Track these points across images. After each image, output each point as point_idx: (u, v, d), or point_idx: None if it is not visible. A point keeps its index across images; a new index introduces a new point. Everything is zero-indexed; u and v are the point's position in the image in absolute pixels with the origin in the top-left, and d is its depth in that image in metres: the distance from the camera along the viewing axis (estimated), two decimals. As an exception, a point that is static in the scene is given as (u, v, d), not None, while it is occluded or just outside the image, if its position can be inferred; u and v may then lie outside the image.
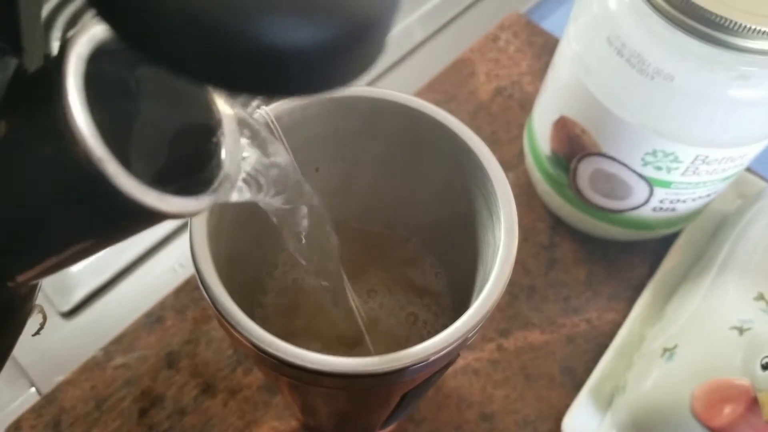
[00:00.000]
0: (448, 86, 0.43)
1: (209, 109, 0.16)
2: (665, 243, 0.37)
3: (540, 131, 0.36)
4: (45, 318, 0.20)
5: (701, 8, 0.25)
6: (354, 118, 0.24)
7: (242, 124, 0.16)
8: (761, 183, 0.39)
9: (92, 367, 0.34)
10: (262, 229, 0.22)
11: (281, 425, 0.33)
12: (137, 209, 0.13)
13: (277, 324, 0.26)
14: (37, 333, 0.20)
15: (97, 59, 0.13)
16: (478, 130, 0.23)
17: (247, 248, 0.25)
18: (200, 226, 0.20)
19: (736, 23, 0.24)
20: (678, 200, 0.33)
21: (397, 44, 0.46)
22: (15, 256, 0.15)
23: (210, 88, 0.16)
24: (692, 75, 0.27)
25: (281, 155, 0.18)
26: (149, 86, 0.15)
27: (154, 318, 0.35)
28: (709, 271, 0.34)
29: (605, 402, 0.33)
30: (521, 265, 0.37)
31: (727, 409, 0.29)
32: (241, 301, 0.19)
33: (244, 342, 0.19)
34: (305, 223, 0.20)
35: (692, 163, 0.30)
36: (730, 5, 0.25)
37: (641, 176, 0.31)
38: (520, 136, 0.42)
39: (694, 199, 0.33)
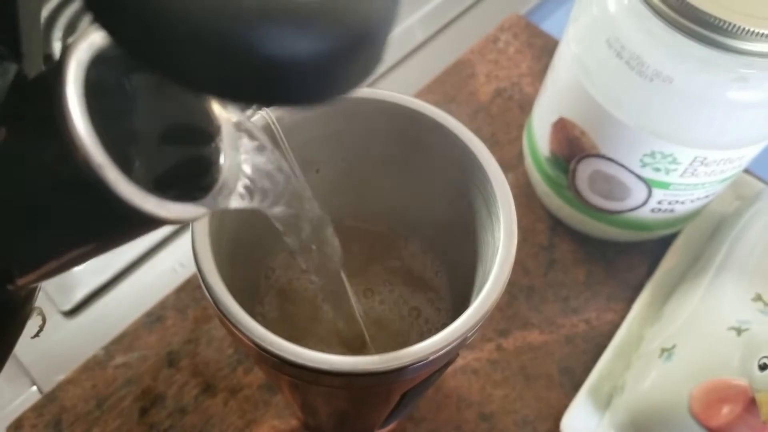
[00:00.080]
0: (448, 87, 0.44)
1: (208, 115, 0.16)
2: (664, 244, 0.38)
3: (539, 132, 0.36)
4: (44, 320, 0.20)
5: (700, 11, 0.25)
6: (354, 119, 0.24)
7: (241, 129, 0.17)
8: (759, 184, 0.39)
9: (93, 366, 0.34)
10: (263, 230, 0.22)
11: (281, 424, 0.33)
12: (137, 215, 0.13)
13: (277, 324, 0.26)
14: (37, 335, 0.20)
15: (96, 65, 0.13)
16: (477, 131, 0.23)
17: (248, 249, 0.25)
18: (202, 226, 0.20)
19: (734, 26, 0.24)
20: (676, 201, 0.33)
21: (397, 45, 0.46)
22: (15, 260, 0.15)
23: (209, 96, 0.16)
24: (691, 77, 0.27)
25: (281, 161, 0.18)
26: (149, 92, 0.15)
27: (154, 317, 0.35)
28: (707, 271, 0.34)
29: (604, 402, 0.33)
30: (520, 265, 0.38)
31: (725, 410, 0.29)
32: (242, 301, 0.19)
33: (246, 341, 0.19)
34: (306, 227, 0.20)
35: (691, 164, 0.30)
36: (729, 8, 0.25)
37: (640, 177, 0.31)
38: (519, 138, 0.42)
39: (692, 201, 0.33)
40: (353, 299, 0.23)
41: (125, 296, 0.36)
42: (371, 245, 0.29)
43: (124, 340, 0.34)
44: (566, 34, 0.33)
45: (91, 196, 0.12)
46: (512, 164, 0.41)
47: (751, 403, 0.28)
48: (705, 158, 0.29)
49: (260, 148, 0.17)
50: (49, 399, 0.33)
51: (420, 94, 0.43)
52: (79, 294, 0.36)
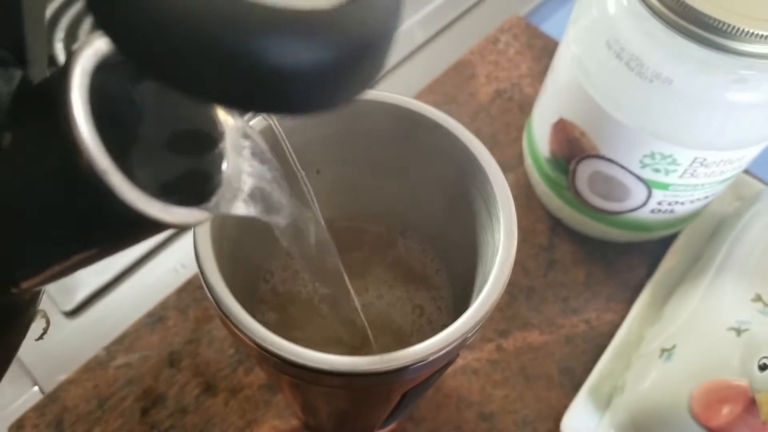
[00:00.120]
0: (448, 88, 0.44)
1: (212, 121, 0.16)
2: (664, 244, 0.38)
3: (539, 133, 0.36)
4: (48, 323, 0.20)
5: (699, 12, 0.25)
6: (355, 120, 0.24)
7: (244, 135, 0.17)
8: (759, 185, 0.39)
9: (94, 366, 0.34)
10: (264, 232, 0.22)
11: (282, 424, 0.33)
12: (141, 220, 0.13)
13: (278, 325, 0.27)
14: (40, 338, 0.20)
15: (101, 72, 0.13)
16: (477, 132, 0.23)
17: (249, 249, 0.25)
18: (204, 226, 0.20)
19: (734, 27, 0.24)
20: (676, 202, 0.33)
21: (397, 46, 0.46)
22: (19, 264, 0.15)
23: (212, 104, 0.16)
24: (690, 78, 0.27)
25: (281, 169, 0.18)
26: (153, 98, 0.15)
27: (155, 318, 0.35)
28: (707, 272, 0.34)
29: (604, 402, 0.33)
30: (520, 265, 0.38)
31: (725, 410, 0.29)
32: (243, 302, 0.19)
33: (247, 341, 0.19)
34: (306, 235, 0.20)
35: (690, 165, 0.30)
36: (729, 9, 0.25)
37: (639, 178, 0.32)
38: (519, 138, 0.42)
39: (692, 201, 0.33)
40: (355, 299, 0.23)
41: (126, 296, 0.37)
42: (371, 245, 0.29)
43: (125, 341, 0.34)
44: (566, 35, 0.33)
45: (96, 201, 0.13)
46: (512, 165, 0.41)
47: (751, 404, 0.28)
48: (704, 159, 0.29)
49: (263, 155, 0.17)
50: (50, 399, 0.33)
51: (420, 95, 0.43)
52: (81, 294, 0.36)
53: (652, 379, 0.31)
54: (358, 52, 0.11)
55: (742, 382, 0.29)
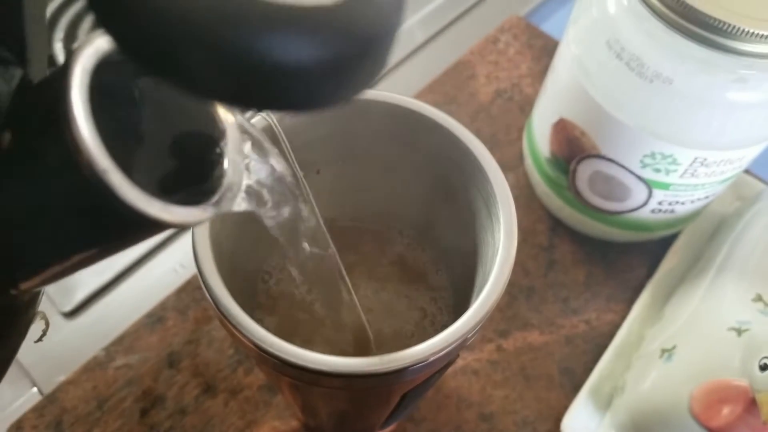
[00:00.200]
0: (448, 88, 0.44)
1: (213, 119, 0.16)
2: (664, 244, 0.38)
3: (539, 133, 0.36)
4: (47, 325, 0.20)
5: (700, 12, 0.25)
6: (355, 120, 0.24)
7: (245, 133, 0.17)
8: (759, 185, 0.39)
9: (94, 367, 0.34)
10: (263, 232, 0.22)
11: (282, 425, 0.33)
12: (141, 219, 0.13)
13: (277, 326, 0.27)
14: (40, 339, 0.20)
15: (101, 71, 0.13)
16: (477, 132, 0.23)
17: (249, 250, 0.25)
18: (203, 227, 0.20)
19: (734, 27, 0.24)
20: (676, 202, 0.33)
21: (397, 46, 0.46)
22: (18, 264, 0.15)
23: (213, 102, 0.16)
24: (691, 78, 0.27)
25: (282, 166, 0.18)
26: (153, 96, 0.15)
27: (155, 318, 0.35)
28: (707, 272, 0.34)
29: (604, 403, 0.33)
30: (520, 266, 0.38)
31: (726, 410, 0.29)
32: (243, 302, 0.19)
33: (246, 342, 0.19)
34: (305, 234, 0.20)
35: (691, 165, 0.30)
36: (729, 9, 0.25)
37: (640, 178, 0.31)
38: (519, 138, 0.42)
39: (692, 201, 0.33)
40: (355, 299, 0.23)
41: (126, 297, 0.36)
42: (371, 245, 0.29)
43: (124, 341, 0.34)
44: (566, 35, 0.33)
45: (96, 201, 0.13)
46: (512, 165, 0.41)
47: (752, 404, 0.28)
48: (705, 159, 0.29)
49: (264, 152, 0.17)
50: (49, 400, 0.33)
51: (420, 95, 0.43)
52: (80, 295, 0.36)
53: (652, 380, 0.31)
54: (360, 49, 0.10)
55: (743, 382, 0.29)
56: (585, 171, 0.33)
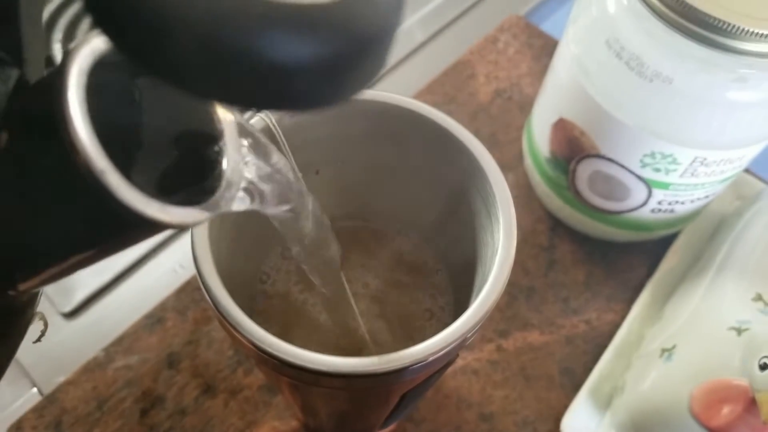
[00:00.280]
0: (447, 88, 0.44)
1: (211, 119, 0.16)
2: (664, 244, 0.38)
3: (539, 133, 0.36)
4: (46, 325, 0.20)
5: (699, 11, 0.25)
6: (354, 120, 0.24)
7: (244, 132, 0.17)
8: (759, 184, 0.39)
9: (93, 367, 0.34)
10: (263, 232, 0.22)
11: (281, 425, 0.33)
12: (139, 220, 0.13)
13: (276, 326, 0.26)
14: (38, 340, 0.20)
15: (98, 70, 0.13)
16: (477, 132, 0.23)
17: (247, 251, 0.25)
18: (202, 227, 0.20)
19: (734, 26, 0.24)
20: (676, 202, 0.33)
21: (397, 46, 0.46)
22: (16, 265, 0.15)
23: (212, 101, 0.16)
24: (691, 77, 0.27)
25: (282, 164, 0.18)
26: (151, 96, 0.15)
27: (155, 319, 0.35)
28: (707, 272, 0.34)
29: (604, 402, 0.33)
30: (520, 266, 0.38)
31: (726, 410, 0.29)
32: (242, 303, 0.19)
33: (245, 342, 0.19)
34: (307, 230, 0.20)
35: (690, 164, 0.30)
36: (728, 8, 0.25)
37: (640, 178, 0.31)
38: (519, 138, 0.42)
39: (692, 201, 0.33)
40: (352, 300, 0.23)
41: (125, 298, 0.36)
42: (371, 244, 0.29)
43: (124, 342, 0.34)
44: (566, 34, 0.32)
45: (93, 202, 0.12)
46: (512, 165, 0.41)
47: (752, 403, 0.28)
48: (705, 158, 0.29)
49: (263, 151, 0.17)
50: (49, 400, 0.33)
51: (419, 95, 0.43)
52: (80, 296, 0.36)
53: (652, 379, 0.31)
54: (359, 48, 0.10)
55: (743, 381, 0.29)
56: (585, 171, 0.33)
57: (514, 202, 0.21)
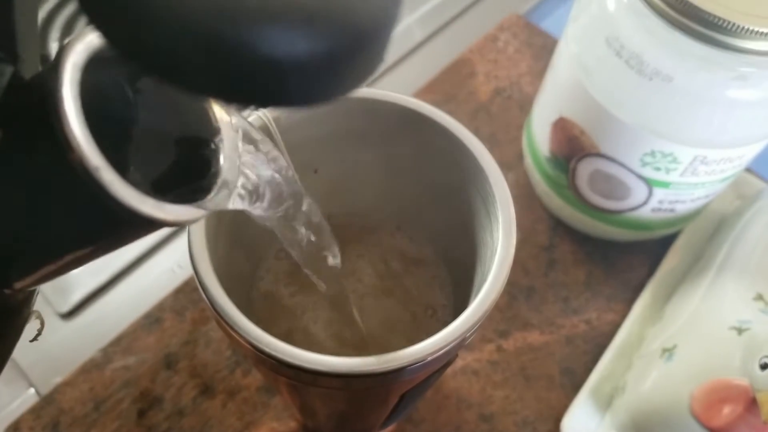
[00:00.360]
0: (447, 87, 0.43)
1: (207, 116, 0.16)
2: (664, 244, 0.37)
3: (539, 132, 0.36)
4: (43, 324, 0.20)
5: (700, 9, 0.25)
6: (353, 119, 0.24)
7: (241, 131, 0.16)
8: (760, 183, 0.39)
9: (91, 368, 0.34)
10: (261, 232, 0.22)
11: (280, 426, 0.33)
12: (134, 218, 0.13)
13: (274, 326, 0.26)
14: (35, 339, 0.20)
15: (93, 67, 0.12)
16: (477, 131, 0.23)
17: (246, 251, 0.25)
18: (199, 227, 0.20)
19: (734, 24, 0.24)
20: (677, 201, 0.33)
21: (396, 45, 0.46)
22: (12, 263, 0.15)
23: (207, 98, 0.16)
24: (691, 76, 0.27)
25: (280, 162, 0.18)
26: (146, 93, 0.15)
27: (152, 319, 0.35)
28: (708, 271, 0.34)
29: (604, 403, 0.33)
30: (520, 265, 0.37)
31: (726, 410, 0.29)
32: (239, 303, 0.19)
33: (243, 342, 0.19)
34: (303, 232, 0.20)
35: (691, 163, 0.30)
36: (729, 6, 0.25)
37: (640, 177, 0.31)
38: (519, 137, 0.42)
39: (693, 200, 0.33)
40: (351, 299, 0.23)
41: (123, 298, 0.36)
42: (370, 244, 0.28)
43: (121, 342, 0.34)
44: (565, 33, 0.32)
45: (88, 199, 0.12)
46: (512, 164, 0.41)
47: (752, 403, 0.28)
48: (705, 157, 0.29)
49: (260, 150, 0.17)
50: (46, 401, 0.33)
51: (419, 94, 0.43)
52: (77, 296, 0.36)
53: (653, 380, 0.31)
54: (357, 42, 0.10)
55: (743, 381, 0.28)
56: (585, 170, 0.33)
57: (514, 202, 0.21)
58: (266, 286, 0.27)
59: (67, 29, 0.43)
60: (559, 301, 0.36)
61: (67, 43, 0.12)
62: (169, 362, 0.34)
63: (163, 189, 0.14)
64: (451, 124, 0.23)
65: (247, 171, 0.17)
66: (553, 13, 0.50)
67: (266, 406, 0.33)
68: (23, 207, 0.13)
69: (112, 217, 0.13)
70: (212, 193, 0.15)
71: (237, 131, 0.16)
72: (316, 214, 0.20)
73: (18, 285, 0.15)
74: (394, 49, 0.46)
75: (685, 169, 0.30)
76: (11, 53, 0.14)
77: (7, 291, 0.15)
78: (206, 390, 0.33)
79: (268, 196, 0.18)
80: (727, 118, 0.28)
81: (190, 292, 0.36)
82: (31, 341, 0.20)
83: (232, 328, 0.18)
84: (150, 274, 0.37)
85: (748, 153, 0.30)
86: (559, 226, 0.39)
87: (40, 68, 0.15)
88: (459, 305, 0.25)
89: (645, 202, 0.33)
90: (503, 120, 0.42)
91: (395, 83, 0.44)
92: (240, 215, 0.23)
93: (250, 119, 0.22)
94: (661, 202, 0.33)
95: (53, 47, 0.42)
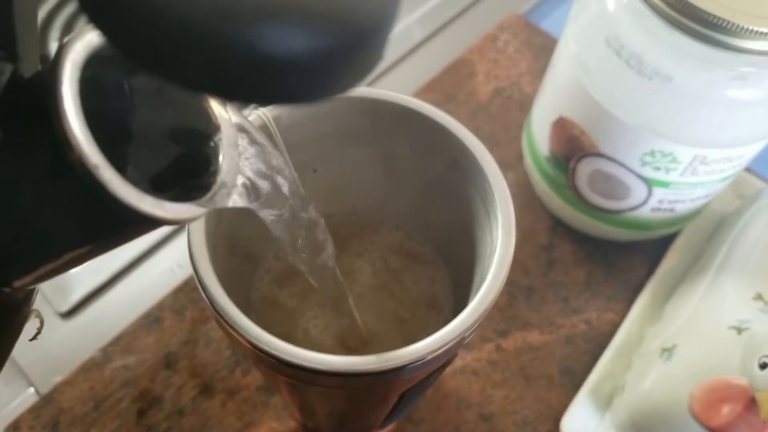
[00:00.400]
0: (447, 87, 0.43)
1: (207, 115, 0.16)
2: (664, 243, 0.37)
3: (539, 132, 0.36)
4: (42, 323, 0.20)
5: (699, 9, 0.25)
6: (352, 118, 0.24)
7: (240, 129, 0.16)
8: (760, 183, 0.39)
9: (90, 367, 0.34)
10: (261, 231, 0.22)
11: (280, 426, 0.33)
12: (133, 216, 0.13)
13: (274, 325, 0.26)
14: (34, 338, 0.20)
15: (92, 65, 0.12)
16: (477, 131, 0.23)
17: (245, 249, 0.25)
18: (198, 226, 0.20)
19: (734, 24, 0.24)
20: (677, 200, 0.33)
21: (396, 45, 0.46)
22: (11, 262, 0.15)
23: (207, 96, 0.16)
24: (690, 75, 0.27)
25: (279, 162, 0.18)
26: (146, 91, 0.15)
27: (152, 318, 0.35)
28: (707, 271, 0.34)
29: (604, 402, 0.33)
30: (520, 265, 0.37)
31: (726, 409, 0.29)
32: (239, 302, 0.19)
33: (243, 341, 0.18)
34: (302, 232, 0.20)
35: (690, 163, 0.30)
36: (728, 6, 0.25)
37: (640, 177, 0.31)
38: (519, 137, 0.42)
39: (692, 200, 0.33)
40: (350, 298, 0.23)
41: (123, 297, 0.36)
42: (369, 243, 0.28)
43: (121, 342, 0.34)
44: (565, 33, 0.32)
45: (88, 197, 0.12)
46: (512, 164, 0.41)
47: (752, 403, 0.28)
48: (705, 157, 0.29)
49: (259, 148, 0.17)
50: (46, 401, 0.33)
51: (419, 94, 0.43)
52: (77, 295, 0.36)
53: (652, 379, 0.31)
54: (356, 40, 0.10)
55: (743, 381, 0.28)
56: (584, 170, 0.33)
57: (514, 202, 0.21)
58: (266, 286, 0.27)
59: (67, 29, 0.43)
60: (559, 300, 0.36)
61: (67, 42, 0.12)
62: (168, 362, 0.34)
63: (162, 187, 0.14)
64: (451, 123, 0.23)
65: (247, 169, 0.17)
66: (553, 13, 0.50)
67: (266, 406, 0.33)
68: (22, 205, 0.13)
69: (112, 215, 0.13)
70: (211, 191, 0.15)
71: (237, 130, 0.16)
72: (314, 214, 0.20)
73: (17, 283, 0.15)
74: (393, 49, 0.46)
75: (685, 169, 0.30)
76: (11, 52, 0.14)
77: (6, 289, 0.15)
78: (206, 389, 0.33)
79: (266, 194, 0.18)
80: (727, 117, 0.28)
81: (189, 291, 0.36)
82: (31, 340, 0.20)
83: (231, 327, 0.18)
84: (150, 273, 0.37)
85: (748, 153, 0.30)
86: (558, 225, 0.39)
87: (39, 67, 0.15)
88: (458, 304, 0.25)
89: (645, 202, 0.33)
90: (503, 120, 0.42)
91: (395, 83, 0.44)
92: (240, 215, 0.23)
93: (250, 118, 0.22)
94: (660, 201, 0.33)
95: (53, 47, 0.42)
